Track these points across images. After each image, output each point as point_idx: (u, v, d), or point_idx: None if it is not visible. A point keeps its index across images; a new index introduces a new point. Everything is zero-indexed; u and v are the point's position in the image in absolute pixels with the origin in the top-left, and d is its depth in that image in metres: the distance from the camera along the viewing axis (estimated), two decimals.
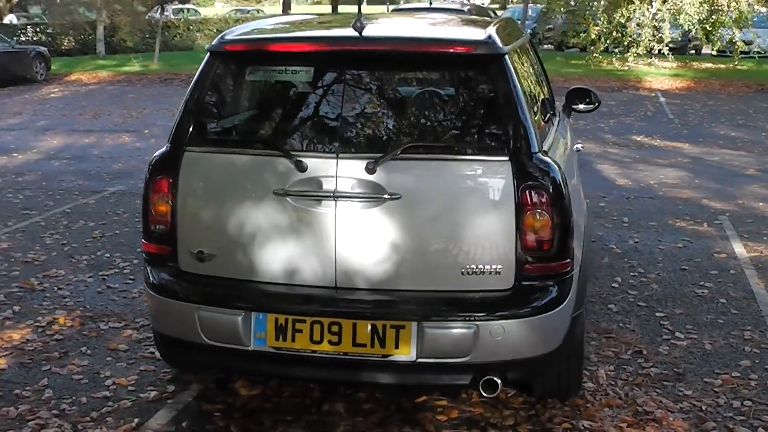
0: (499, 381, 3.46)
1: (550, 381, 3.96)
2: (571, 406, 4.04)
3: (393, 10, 16.69)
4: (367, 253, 3.48)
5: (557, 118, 4.76)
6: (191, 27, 30.77)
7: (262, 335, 3.54)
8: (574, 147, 4.96)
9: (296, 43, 3.83)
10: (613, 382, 4.31)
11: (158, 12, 28.93)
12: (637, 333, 4.94)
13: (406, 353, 3.43)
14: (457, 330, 3.41)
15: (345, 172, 3.46)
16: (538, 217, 3.44)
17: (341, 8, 34.15)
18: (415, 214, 3.46)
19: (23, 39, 26.21)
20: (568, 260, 3.55)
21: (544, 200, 3.43)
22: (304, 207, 3.50)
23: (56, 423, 3.97)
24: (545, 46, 28.82)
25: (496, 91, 3.51)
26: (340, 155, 3.48)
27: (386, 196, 3.44)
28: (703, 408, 4.05)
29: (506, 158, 3.43)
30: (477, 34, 3.71)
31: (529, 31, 24.55)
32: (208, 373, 4.26)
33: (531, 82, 4.17)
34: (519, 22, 24.05)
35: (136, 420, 3.99)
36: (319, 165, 3.48)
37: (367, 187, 3.44)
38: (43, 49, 22.32)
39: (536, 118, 3.78)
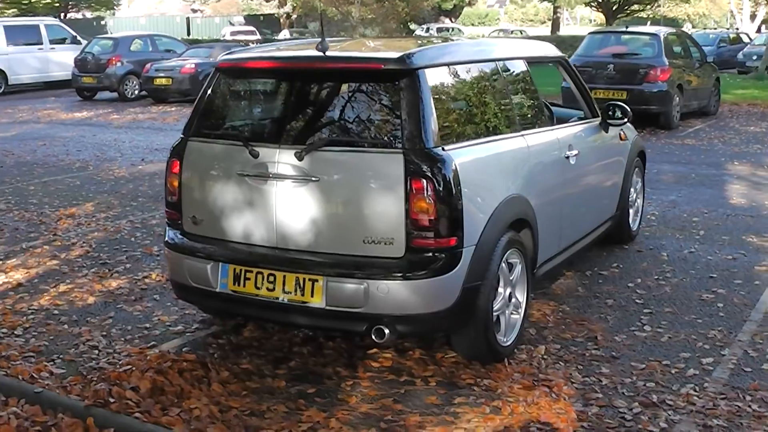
0: (386, 330, 4.28)
1: (463, 345, 4.70)
2: (488, 369, 4.70)
3: (590, 33, 16.97)
4: (296, 222, 4.48)
5: (545, 128, 5.42)
6: None
7: (225, 281, 4.64)
8: (564, 154, 5.54)
9: (261, 62, 4.90)
10: (546, 357, 4.91)
11: (425, 30, 30.78)
12: (609, 323, 5.44)
13: (318, 301, 4.38)
14: (353, 285, 4.30)
15: (283, 159, 4.48)
16: (422, 200, 4.24)
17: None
18: (330, 193, 4.41)
19: None
20: (454, 238, 4.31)
21: (427, 187, 4.22)
22: (256, 185, 4.56)
23: (100, 340, 5.25)
24: None
25: (401, 98, 4.35)
26: (281, 146, 4.49)
27: (311, 178, 4.40)
28: (605, 383, 4.56)
29: (400, 152, 4.27)
30: (397, 52, 4.53)
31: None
32: (230, 318, 5.38)
33: (470, 93, 4.90)
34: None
35: (153, 342, 5.19)
36: (266, 153, 4.53)
37: (297, 171, 4.44)
38: None
39: (461, 122, 4.61)
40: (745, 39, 33.50)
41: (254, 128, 4.92)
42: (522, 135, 5.11)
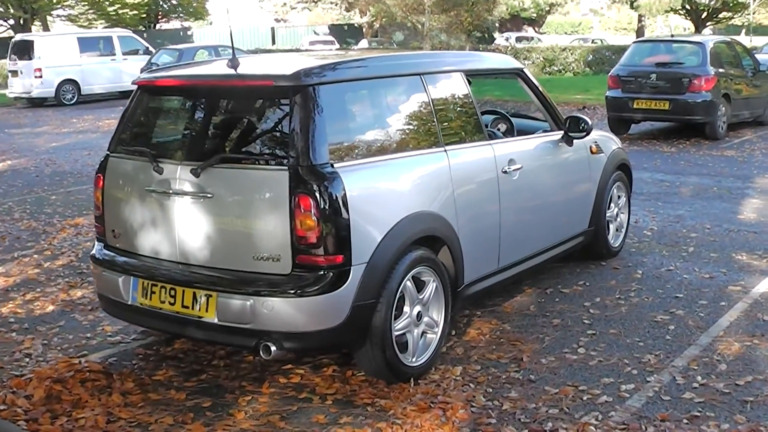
0: (273, 347, 4.25)
1: (364, 363, 4.63)
2: (391, 389, 4.61)
3: (634, 41, 16.53)
4: (194, 238, 4.52)
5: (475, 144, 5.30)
6: (518, 55, 31.85)
7: (135, 294, 4.69)
8: (502, 169, 5.39)
9: (170, 80, 4.94)
10: (458, 378, 4.78)
11: (505, 39, 30.49)
12: (544, 344, 5.26)
13: (212, 316, 4.39)
14: (240, 301, 4.29)
15: (183, 175, 4.52)
16: (308, 217, 4.20)
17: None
18: (222, 210, 4.44)
19: None
20: (341, 255, 4.25)
21: (311, 205, 4.18)
22: (161, 201, 4.61)
23: (37, 348, 5.38)
24: None
25: (292, 115, 4.31)
26: (182, 163, 4.52)
27: (205, 195, 4.42)
28: (506, 408, 4.41)
29: (285, 169, 4.24)
30: (292, 68, 4.48)
31: None
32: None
33: (375, 110, 4.82)
34: None
35: (84, 352, 5.28)
36: (169, 169, 4.58)
37: (194, 187, 4.47)
38: None
39: (361, 138, 4.58)
40: None
41: (161, 145, 4.97)
42: (444, 150, 4.99)
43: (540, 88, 6.21)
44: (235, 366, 4.99)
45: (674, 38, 15.22)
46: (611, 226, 6.99)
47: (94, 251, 5.08)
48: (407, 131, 4.92)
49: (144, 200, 4.69)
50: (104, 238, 5.01)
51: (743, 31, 43.69)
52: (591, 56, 32.74)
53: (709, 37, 14.54)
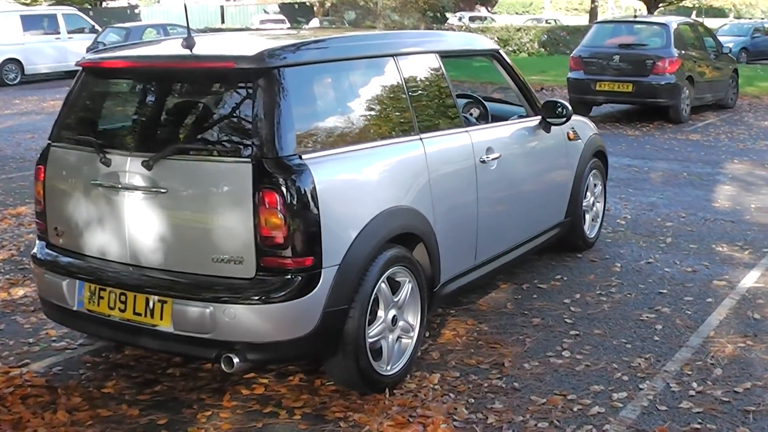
0: (236, 359, 3.81)
1: (335, 373, 4.22)
2: (365, 400, 4.22)
3: (597, 22, 16.29)
4: (146, 238, 4.05)
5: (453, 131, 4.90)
6: None
7: (81, 299, 4.21)
8: (480, 158, 5.01)
9: (119, 61, 4.42)
10: (437, 387, 4.39)
11: (458, 20, 30.08)
12: (525, 347, 4.90)
13: (167, 325, 3.94)
14: (199, 309, 3.85)
15: (133, 168, 4.04)
16: (273, 215, 3.76)
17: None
18: (178, 206, 3.98)
19: None
20: (310, 257, 3.82)
21: (279, 200, 3.74)
22: (109, 196, 4.14)
23: None
24: None
25: (255, 101, 3.86)
26: (132, 154, 4.05)
27: (158, 190, 3.96)
28: (491, 422, 4.04)
29: (248, 161, 3.79)
30: (254, 49, 4.02)
31: None
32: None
33: (346, 94, 4.38)
34: None
35: (26, 360, 4.80)
36: (118, 161, 4.10)
37: (145, 181, 4.00)
38: None
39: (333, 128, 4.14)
40: None
41: (109, 133, 4.46)
42: (419, 138, 4.58)
43: (516, 71, 5.83)
44: (192, 375, 4.56)
45: (637, 19, 14.95)
46: (587, 216, 6.66)
47: (35, 250, 4.59)
48: (380, 118, 4.50)
49: (90, 195, 4.21)
50: (46, 236, 4.51)
51: (693, 13, 43.88)
52: (545, 36, 32.54)
53: (672, 18, 14.28)
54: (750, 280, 5.98)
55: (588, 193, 6.59)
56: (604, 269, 6.29)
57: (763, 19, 41.63)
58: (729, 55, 15.77)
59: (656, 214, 7.93)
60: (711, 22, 32.06)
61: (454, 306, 5.46)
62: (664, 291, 5.79)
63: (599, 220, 6.89)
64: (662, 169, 10.22)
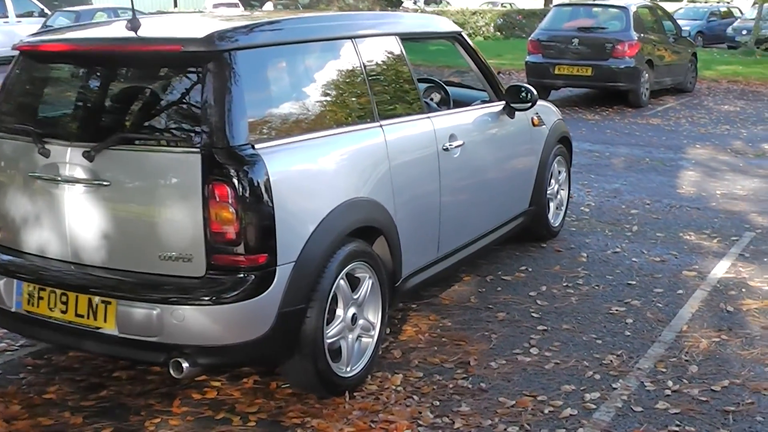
0: (185, 363, 3.54)
1: (291, 376, 3.97)
2: (324, 404, 3.97)
3: (555, 5, 16.15)
4: (88, 234, 3.74)
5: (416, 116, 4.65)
6: None
7: (20, 299, 3.90)
8: (443, 146, 4.76)
9: (59, 44, 4.09)
10: (400, 389, 4.15)
11: (414, 2, 29.77)
12: (491, 343, 4.68)
13: (112, 327, 3.65)
14: (145, 311, 3.56)
15: (74, 159, 3.72)
16: (224, 209, 3.48)
17: None
18: (122, 200, 3.68)
19: None
20: (264, 254, 3.55)
21: (230, 193, 3.46)
22: (48, 189, 3.82)
23: None
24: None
25: (205, 86, 3.57)
26: (73, 144, 3.73)
27: (100, 183, 3.67)
28: (458, 427, 3.81)
29: (197, 151, 3.50)
30: (203, 30, 3.72)
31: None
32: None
33: (300, 79, 4.10)
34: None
35: None
36: (58, 152, 3.78)
37: (87, 173, 3.69)
38: None
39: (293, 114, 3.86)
40: (737, 13, 32.32)
41: (48, 122, 4.11)
42: (379, 125, 4.32)
43: (479, 54, 5.59)
44: (140, 378, 4.27)
45: (596, 2, 14.79)
46: (551, 204, 6.45)
47: None
48: (338, 104, 4.23)
49: (28, 188, 3.89)
50: None
51: None
52: (501, 20, 32.35)
53: (631, 1, 14.14)
54: (720, 270, 5.82)
55: (552, 181, 6.39)
56: (570, 259, 6.09)
57: (719, 2, 41.86)
58: (688, 38, 15.69)
59: (620, 201, 7.76)
60: (667, 6, 32.13)
61: (415, 300, 5.22)
62: (633, 282, 5.60)
63: (563, 208, 6.69)
64: (624, 155, 10.07)
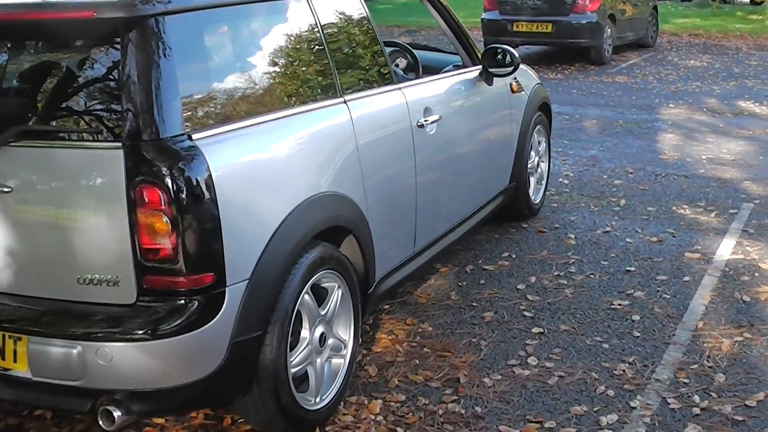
0: (117, 412, 2.80)
1: (249, 414, 3.25)
2: None
3: None
4: None
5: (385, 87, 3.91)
6: None
7: None
8: (417, 122, 4.03)
9: None
10: (380, 418, 3.46)
11: None
12: (481, 353, 4.00)
13: (23, 369, 2.90)
14: (62, 349, 2.81)
15: None
16: (157, 218, 2.73)
17: None
18: (27, 211, 2.93)
19: None
20: (210, 273, 2.80)
21: (160, 199, 2.70)
22: None
23: None
24: None
25: (126, 63, 2.79)
26: None
27: (2, 189, 2.89)
28: None
29: (119, 146, 2.73)
30: None
31: None
32: None
33: (246, 50, 3.32)
34: None
35: None
36: None
37: None
38: None
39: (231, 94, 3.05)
40: None
41: None
42: (343, 101, 3.58)
43: (450, 12, 4.86)
44: (67, 418, 3.51)
45: None
46: (531, 179, 5.77)
47: None
48: (293, 78, 3.47)
49: None
50: None
51: None
52: None
53: None
54: (726, 250, 5.20)
55: (532, 153, 5.71)
56: (557, 242, 5.42)
57: None
58: None
59: (601, 170, 7.11)
60: None
61: (388, 299, 4.51)
62: (632, 269, 4.95)
63: (544, 182, 6.02)
64: (595, 117, 9.43)
